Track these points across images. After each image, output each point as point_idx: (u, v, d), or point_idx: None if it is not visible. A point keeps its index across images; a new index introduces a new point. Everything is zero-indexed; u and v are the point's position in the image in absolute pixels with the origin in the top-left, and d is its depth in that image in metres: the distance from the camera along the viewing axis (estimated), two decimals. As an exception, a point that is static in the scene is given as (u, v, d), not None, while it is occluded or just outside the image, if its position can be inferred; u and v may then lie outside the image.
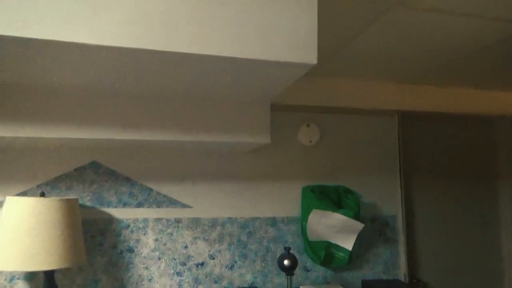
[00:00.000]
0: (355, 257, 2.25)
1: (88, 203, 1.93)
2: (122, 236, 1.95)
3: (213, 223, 2.09)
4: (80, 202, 1.92)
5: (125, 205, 1.98)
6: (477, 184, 2.61)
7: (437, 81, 2.38)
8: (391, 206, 2.38)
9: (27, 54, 1.23)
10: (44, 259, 1.52)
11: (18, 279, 1.81)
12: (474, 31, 1.63)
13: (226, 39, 1.21)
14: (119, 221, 1.96)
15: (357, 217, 2.07)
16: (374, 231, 2.32)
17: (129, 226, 1.97)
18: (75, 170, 1.94)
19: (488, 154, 2.67)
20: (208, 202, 2.10)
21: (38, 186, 1.88)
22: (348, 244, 2.11)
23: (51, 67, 1.36)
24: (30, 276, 1.82)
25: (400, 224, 2.36)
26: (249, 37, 1.23)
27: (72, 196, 1.92)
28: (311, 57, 1.26)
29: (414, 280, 2.37)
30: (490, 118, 2.67)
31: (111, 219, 1.95)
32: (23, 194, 1.86)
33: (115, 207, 1.97)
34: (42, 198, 1.57)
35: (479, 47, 1.81)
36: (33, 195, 1.87)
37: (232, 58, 1.23)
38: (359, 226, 2.06)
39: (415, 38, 1.71)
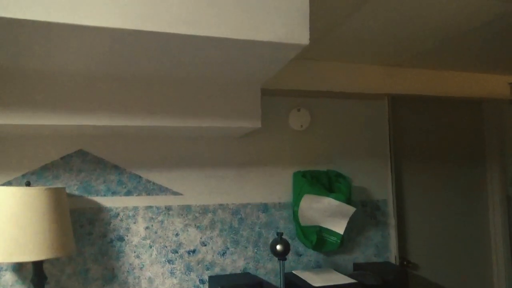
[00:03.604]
0: (346, 241, 2.26)
1: (76, 192, 1.89)
2: (111, 225, 1.92)
3: (204, 210, 2.06)
4: (67, 191, 1.88)
5: (114, 193, 1.94)
6: (466, 166, 2.64)
7: (426, 64, 2.37)
8: (382, 190, 2.38)
9: (10, 36, 1.17)
10: (32, 250, 1.48)
11: (5, 270, 1.77)
12: (463, 13, 1.62)
13: (215, 18, 1.17)
14: (108, 209, 1.92)
15: (348, 201, 2.07)
16: (365, 215, 2.33)
17: (118, 214, 1.93)
18: (62, 158, 1.89)
19: (477, 137, 2.69)
20: (199, 189, 2.07)
21: (23, 175, 1.83)
22: (339, 228, 2.11)
23: (36, 50, 1.30)
24: (18, 267, 1.78)
25: (390, 207, 2.37)
26: (238, 16, 1.19)
27: (59, 185, 1.88)
28: (303, 37, 1.24)
29: (405, 262, 2.40)
30: (478, 101, 2.68)
31: (100, 208, 1.91)
32: (8, 184, 1.81)
33: (104, 195, 1.93)
34: (28, 188, 1.52)
35: (467, 29, 1.81)
36: (18, 185, 1.82)
37: (221, 39, 1.20)
38: (351, 210, 2.06)
39: (404, 20, 1.69)
